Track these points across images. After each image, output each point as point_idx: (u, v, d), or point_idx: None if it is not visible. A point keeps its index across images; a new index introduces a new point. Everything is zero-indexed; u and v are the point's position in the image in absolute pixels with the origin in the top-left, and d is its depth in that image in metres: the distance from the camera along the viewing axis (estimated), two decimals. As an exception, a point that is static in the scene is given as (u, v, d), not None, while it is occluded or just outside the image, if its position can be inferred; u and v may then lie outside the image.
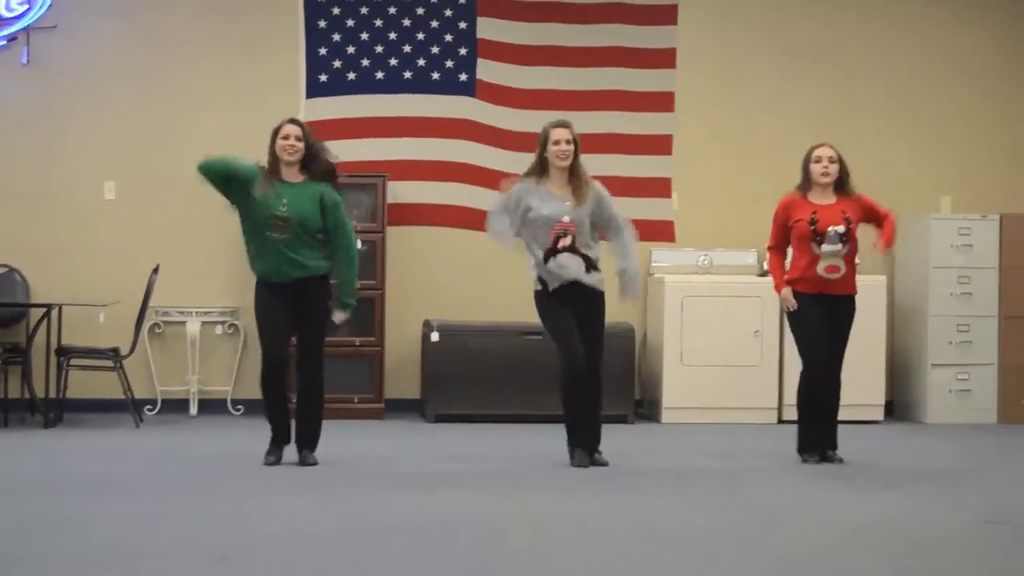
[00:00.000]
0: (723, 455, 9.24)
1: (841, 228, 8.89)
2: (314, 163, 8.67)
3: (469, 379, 11.45)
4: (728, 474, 8.55)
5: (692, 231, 12.31)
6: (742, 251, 12.00)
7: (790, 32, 12.74)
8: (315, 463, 8.55)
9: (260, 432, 10.33)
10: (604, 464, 8.73)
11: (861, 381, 11.56)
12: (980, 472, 9.03)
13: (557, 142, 8.72)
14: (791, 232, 9.04)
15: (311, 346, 8.72)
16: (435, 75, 12.26)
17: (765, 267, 11.79)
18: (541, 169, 8.79)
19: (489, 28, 12.32)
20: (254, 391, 11.78)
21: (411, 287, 12.09)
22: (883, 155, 12.72)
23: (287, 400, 8.75)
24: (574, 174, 8.77)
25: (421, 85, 12.23)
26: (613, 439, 9.83)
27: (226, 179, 8.57)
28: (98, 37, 12.05)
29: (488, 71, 12.32)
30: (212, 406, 11.82)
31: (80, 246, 11.77)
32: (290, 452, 8.64)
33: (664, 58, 12.47)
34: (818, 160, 9.07)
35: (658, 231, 12.40)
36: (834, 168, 9.05)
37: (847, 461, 9.03)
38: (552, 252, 8.61)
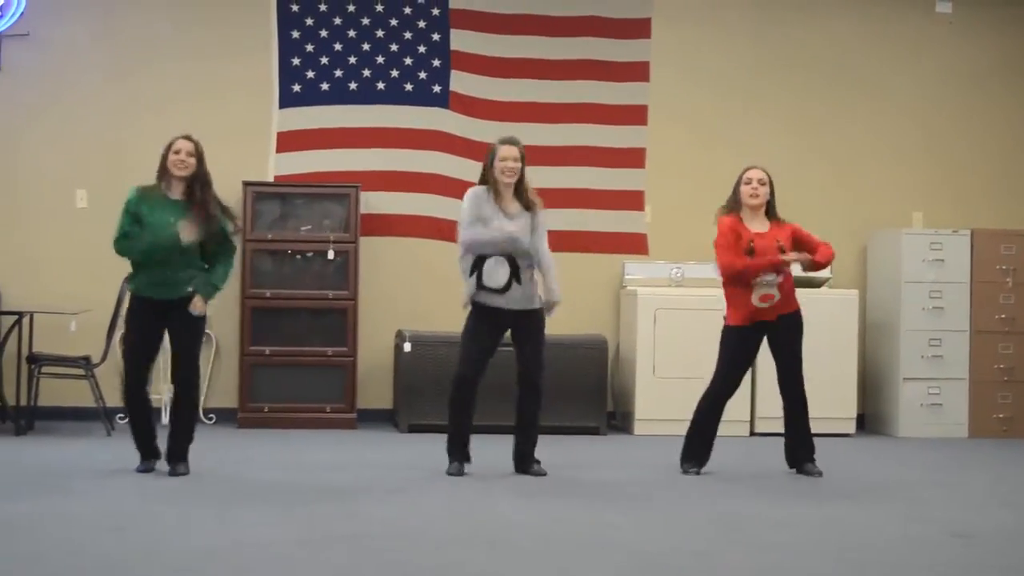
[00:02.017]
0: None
1: (791, 254, 8.91)
2: (197, 187, 8.56)
3: (441, 389, 11.33)
4: (695, 486, 8.55)
5: (665, 244, 12.33)
6: (714, 264, 12.00)
7: (764, 46, 12.77)
8: (187, 472, 8.54)
9: (230, 441, 10.34)
10: (543, 474, 8.79)
11: (833, 394, 11.61)
12: (949, 486, 9.04)
13: (504, 159, 8.82)
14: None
15: (191, 357, 8.68)
16: (408, 86, 12.25)
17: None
18: (490, 183, 8.85)
19: (463, 40, 12.33)
20: (226, 399, 11.85)
21: (383, 297, 12.09)
22: (856, 170, 12.78)
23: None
24: (519, 190, 8.89)
25: (394, 96, 12.22)
26: (584, 451, 9.84)
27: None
28: (71, 45, 12.02)
29: (461, 83, 12.33)
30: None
31: (51, 254, 11.74)
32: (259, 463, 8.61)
33: (637, 71, 12.49)
34: (748, 182, 9.09)
35: (631, 244, 12.43)
36: (763, 190, 9.06)
37: (814, 477, 9.04)
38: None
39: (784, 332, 9.04)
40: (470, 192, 9.00)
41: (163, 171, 8.59)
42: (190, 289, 8.48)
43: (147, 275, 8.49)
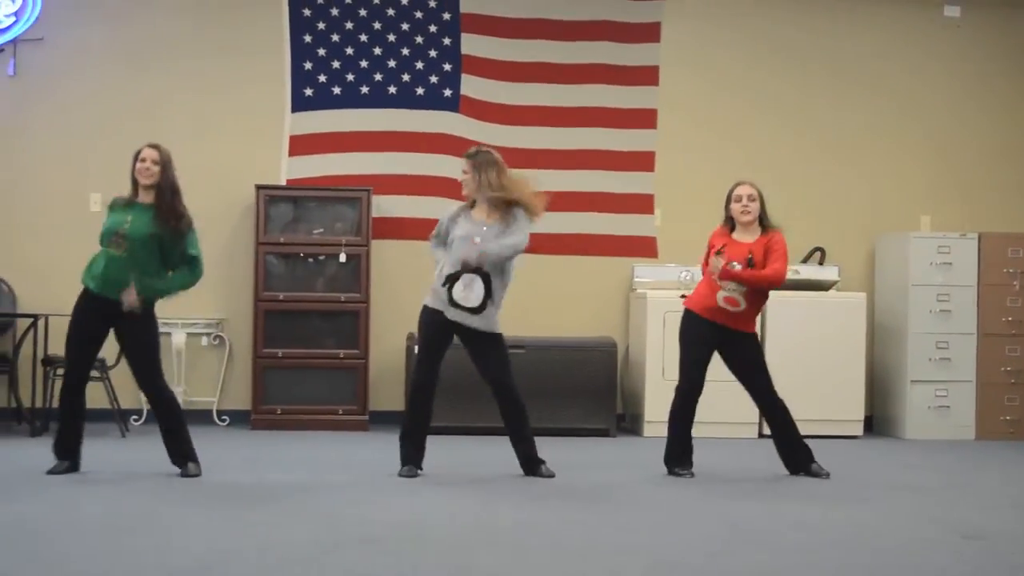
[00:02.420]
0: (701, 469, 9.23)
1: (739, 266, 8.89)
2: (167, 193, 8.54)
3: (452, 392, 11.40)
4: (703, 488, 8.54)
5: (674, 247, 12.33)
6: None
7: (774, 50, 12.78)
8: (199, 474, 8.53)
9: (243, 442, 10.34)
10: (551, 475, 8.78)
11: (841, 397, 11.61)
12: (958, 487, 9.02)
13: (465, 172, 8.87)
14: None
15: (145, 365, 8.65)
16: (419, 90, 12.27)
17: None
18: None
19: (473, 44, 12.34)
20: (239, 402, 11.86)
21: (395, 300, 12.09)
22: (864, 175, 12.79)
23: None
24: (488, 203, 8.82)
25: (406, 100, 12.24)
26: (594, 452, 9.82)
27: None
28: (85, 50, 12.05)
29: (472, 87, 12.34)
30: (198, 416, 11.78)
31: (66, 257, 11.70)
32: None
33: (647, 75, 12.50)
34: (738, 199, 9.07)
35: (640, 247, 12.44)
36: (754, 206, 9.04)
37: (822, 478, 9.04)
38: (461, 272, 8.74)
39: (743, 350, 9.09)
40: (450, 208, 9.10)
41: (133, 179, 8.58)
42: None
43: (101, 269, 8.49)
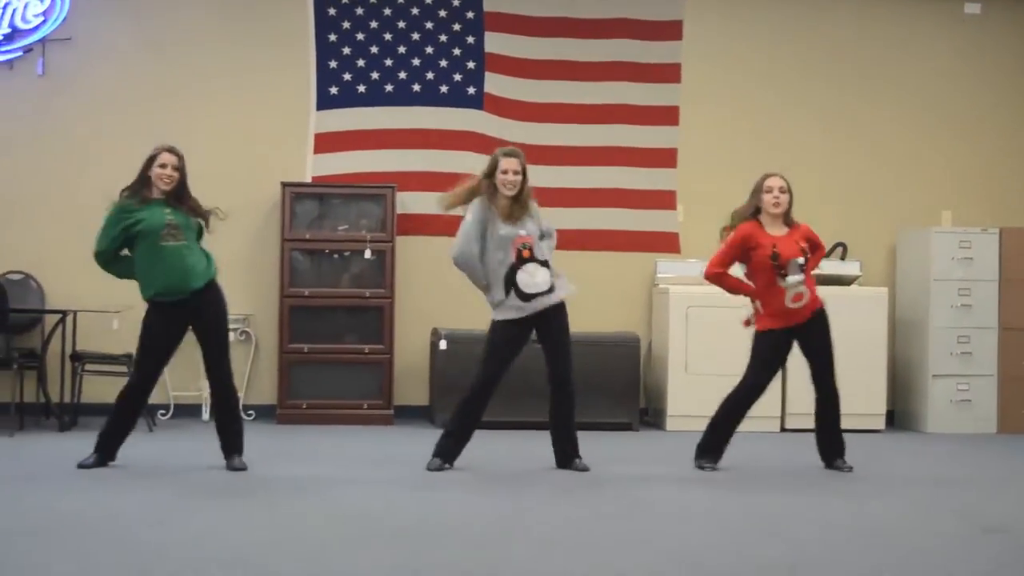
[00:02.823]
0: (724, 462, 9.24)
1: (801, 260, 8.86)
2: (183, 197, 8.58)
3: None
4: (726, 481, 8.54)
5: (696, 242, 12.32)
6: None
7: (793, 48, 12.78)
8: (244, 468, 8.54)
9: (270, 437, 10.37)
10: (586, 469, 8.78)
11: (863, 391, 11.59)
12: (979, 481, 9.01)
13: (505, 172, 8.76)
14: (751, 262, 9.01)
15: (218, 356, 8.68)
16: (443, 88, 12.29)
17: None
18: (491, 192, 8.81)
19: (496, 42, 12.35)
20: (265, 396, 11.89)
21: (419, 296, 12.12)
22: (886, 171, 12.78)
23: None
24: (518, 202, 8.80)
25: (430, 98, 12.27)
26: (618, 446, 9.81)
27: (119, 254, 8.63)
28: (112, 49, 12.09)
29: (495, 84, 12.35)
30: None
31: (90, 254, 11.79)
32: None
33: (669, 73, 12.51)
34: (769, 190, 9.00)
35: (663, 242, 12.45)
36: (784, 198, 8.99)
37: (846, 471, 9.03)
38: (518, 264, 8.69)
39: (815, 333, 9.00)
40: (475, 203, 8.94)
41: (145, 181, 8.58)
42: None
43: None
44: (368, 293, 11.78)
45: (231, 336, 11.84)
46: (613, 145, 12.42)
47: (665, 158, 12.50)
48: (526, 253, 8.68)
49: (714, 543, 6.33)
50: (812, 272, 9.07)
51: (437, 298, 12.17)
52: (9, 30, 11.85)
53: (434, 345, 11.73)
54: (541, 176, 12.26)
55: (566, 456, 8.93)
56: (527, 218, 8.79)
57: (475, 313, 11.91)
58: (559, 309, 8.85)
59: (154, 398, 11.27)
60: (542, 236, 8.92)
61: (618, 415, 11.57)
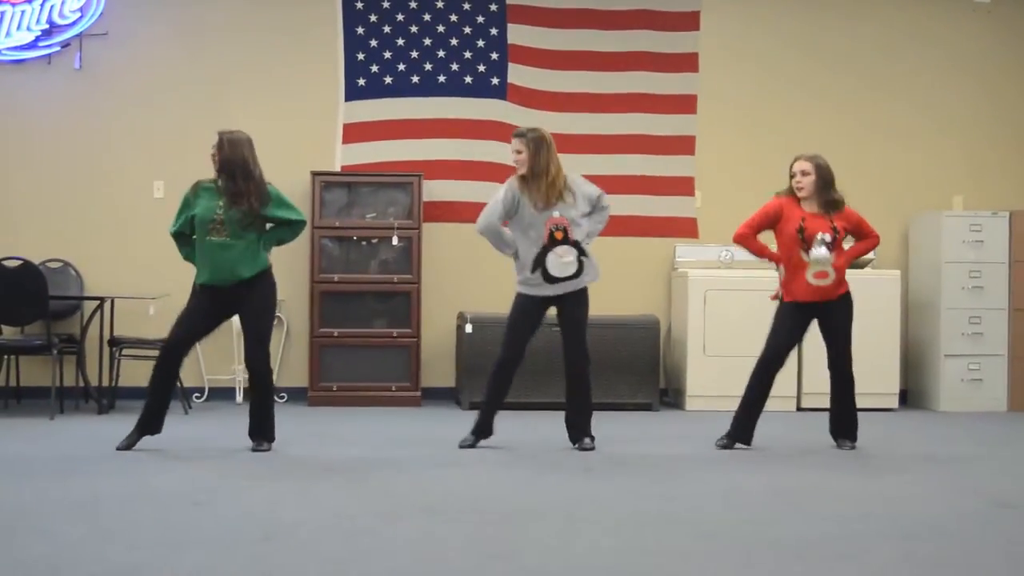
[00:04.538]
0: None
1: (828, 236, 8.79)
2: (234, 182, 8.60)
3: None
4: (744, 460, 8.54)
5: (714, 228, 12.32)
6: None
7: (808, 36, 12.74)
8: (265, 449, 8.57)
9: (301, 418, 10.39)
10: (590, 449, 8.78)
11: (877, 371, 11.58)
12: (991, 458, 8.99)
13: (513, 153, 8.77)
14: (780, 235, 8.96)
15: (254, 343, 8.70)
16: (468, 79, 12.29)
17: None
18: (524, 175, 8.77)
19: (519, 34, 12.35)
20: (297, 379, 11.92)
21: (445, 281, 12.14)
22: (899, 157, 12.75)
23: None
24: (546, 181, 8.71)
25: (454, 88, 12.27)
26: (639, 426, 9.80)
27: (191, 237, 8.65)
28: (147, 43, 12.12)
29: (518, 75, 12.35)
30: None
31: (131, 242, 11.85)
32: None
33: (687, 62, 12.49)
34: (793, 175, 8.97)
35: (682, 228, 12.45)
36: (807, 181, 8.88)
37: (862, 447, 9.03)
38: (551, 245, 8.66)
39: (836, 315, 8.95)
40: (508, 183, 8.91)
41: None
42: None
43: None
44: (396, 279, 11.79)
45: (269, 322, 11.95)
46: (633, 133, 12.41)
47: (684, 145, 12.49)
48: (559, 235, 8.65)
49: (731, 519, 6.33)
50: (850, 258, 9.02)
51: (463, 283, 12.19)
52: (47, 26, 11.88)
53: (460, 328, 11.74)
54: (563, 163, 12.30)
55: (576, 434, 8.93)
56: (563, 198, 8.71)
57: (499, 297, 11.92)
58: (581, 293, 8.82)
59: (189, 381, 11.40)
60: (591, 212, 8.85)
61: (639, 396, 11.57)
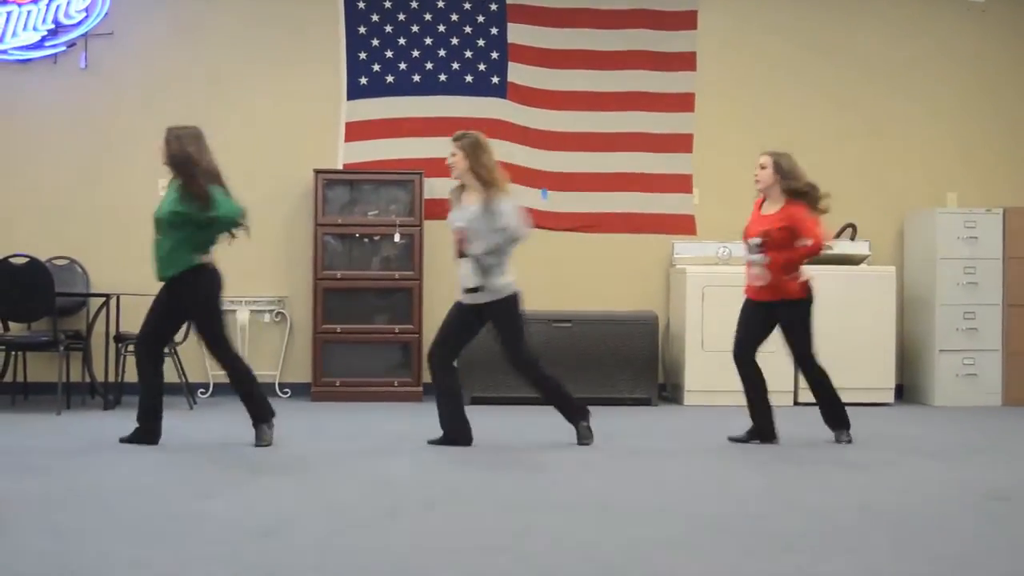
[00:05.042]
0: (739, 435, 9.25)
1: (757, 240, 8.84)
2: (183, 176, 8.61)
3: (502, 364, 11.45)
4: (739, 454, 8.56)
5: (712, 224, 12.35)
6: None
7: (805, 33, 12.76)
8: (267, 443, 8.54)
9: (304, 413, 10.41)
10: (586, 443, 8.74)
11: (872, 366, 11.61)
12: (985, 451, 9.00)
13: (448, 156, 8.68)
14: None
15: (207, 338, 8.73)
16: (468, 78, 12.31)
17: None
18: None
19: (519, 33, 12.37)
20: (300, 375, 11.95)
21: (447, 277, 12.08)
22: (894, 153, 12.77)
23: None
24: (466, 188, 8.64)
25: (455, 87, 12.30)
26: (638, 420, 9.82)
27: None
28: (151, 43, 12.14)
29: (518, 74, 12.38)
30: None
31: (136, 240, 11.81)
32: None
33: (684, 61, 12.52)
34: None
35: (680, 225, 12.47)
36: (764, 174, 8.92)
37: (858, 441, 9.04)
38: (459, 256, 8.63)
39: (787, 318, 8.96)
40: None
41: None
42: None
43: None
44: (397, 275, 11.82)
45: (267, 317, 11.99)
46: (631, 131, 12.43)
47: (681, 143, 12.51)
48: (459, 247, 8.61)
49: (729, 513, 6.36)
50: (786, 265, 8.93)
51: (463, 279, 12.21)
52: (53, 25, 11.91)
53: (461, 324, 11.76)
54: (563, 161, 12.36)
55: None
56: (481, 206, 8.53)
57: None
58: (498, 305, 8.68)
59: (193, 376, 11.42)
60: (499, 228, 8.59)
61: (638, 391, 11.59)
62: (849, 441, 9.03)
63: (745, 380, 9.09)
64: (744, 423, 9.14)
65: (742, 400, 9.34)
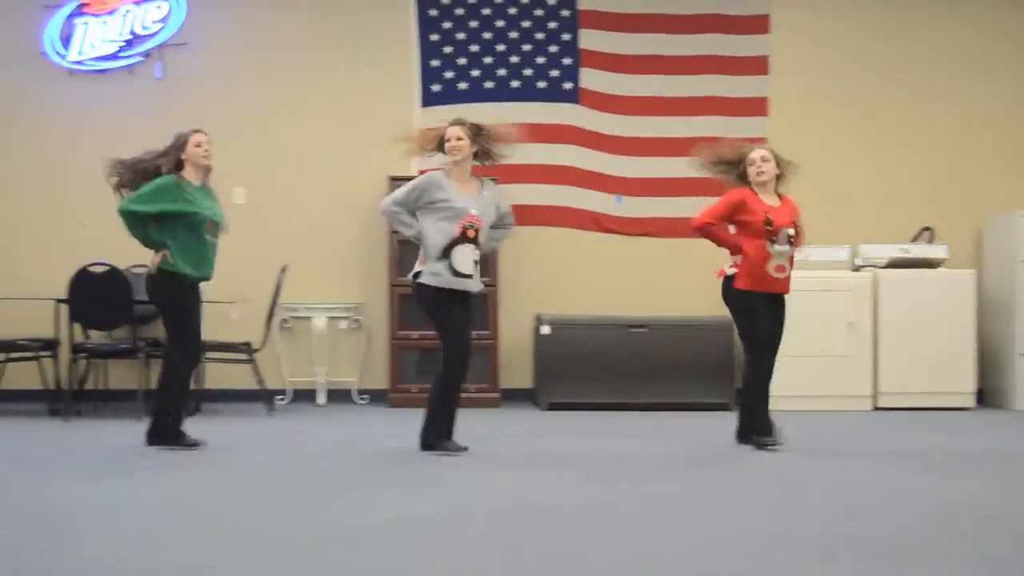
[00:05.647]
0: (818, 441, 9.20)
1: (791, 231, 8.76)
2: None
3: (578, 369, 11.51)
4: (819, 460, 8.50)
5: (788, 229, 12.27)
6: (835, 247, 11.91)
7: (881, 34, 12.67)
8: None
9: (382, 419, 10.44)
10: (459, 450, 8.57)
11: (952, 370, 11.51)
12: (1066, 456, 8.91)
13: (449, 139, 8.55)
14: (741, 227, 8.85)
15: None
16: (541, 84, 12.32)
17: (858, 262, 11.74)
18: (449, 166, 8.59)
19: (591, 39, 12.37)
20: (378, 381, 11.99)
21: (523, 283, 12.17)
22: (973, 156, 12.65)
23: None
24: (472, 175, 8.62)
25: (528, 93, 12.31)
26: (715, 425, 9.79)
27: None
28: (225, 53, 12.24)
29: (591, 79, 12.37)
30: (339, 395, 12.02)
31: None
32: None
33: (757, 65, 12.47)
34: (752, 163, 8.90)
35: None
36: (768, 167, 8.87)
37: (938, 446, 8.95)
38: (457, 242, 8.39)
39: (778, 312, 8.93)
40: (424, 175, 8.73)
41: (179, 164, 8.74)
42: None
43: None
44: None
45: (344, 324, 12.05)
46: (704, 135, 12.33)
47: (756, 146, 12.48)
48: (471, 233, 8.41)
49: (803, 518, 6.31)
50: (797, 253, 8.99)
51: (540, 285, 12.22)
52: (130, 36, 12.04)
53: (537, 330, 11.77)
54: (636, 166, 12.35)
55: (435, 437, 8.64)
56: (482, 198, 8.54)
57: (576, 299, 12.03)
58: (477, 297, 8.73)
59: (271, 383, 11.49)
60: (499, 224, 8.73)
61: (714, 395, 11.55)
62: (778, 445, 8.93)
63: (770, 377, 9.01)
64: (827, 429, 9.08)
65: (816, 404, 9.30)
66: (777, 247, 8.78)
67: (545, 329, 11.49)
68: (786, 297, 8.99)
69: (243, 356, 10.94)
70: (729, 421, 10.46)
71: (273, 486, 7.26)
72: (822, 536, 5.87)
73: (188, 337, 8.69)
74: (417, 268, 8.50)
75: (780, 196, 8.96)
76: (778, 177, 8.97)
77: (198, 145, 8.73)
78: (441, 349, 8.54)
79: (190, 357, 8.76)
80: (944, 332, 11.57)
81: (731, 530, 6.01)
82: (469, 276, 8.44)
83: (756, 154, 8.96)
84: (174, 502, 6.67)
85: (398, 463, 8.17)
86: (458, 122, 8.70)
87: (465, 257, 8.42)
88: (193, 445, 8.52)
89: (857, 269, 11.84)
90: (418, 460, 8.27)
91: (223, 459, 8.25)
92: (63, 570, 5.02)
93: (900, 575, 5.12)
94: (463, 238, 8.41)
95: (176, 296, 8.66)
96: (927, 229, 12.23)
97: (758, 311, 8.91)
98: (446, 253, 8.39)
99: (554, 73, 12.38)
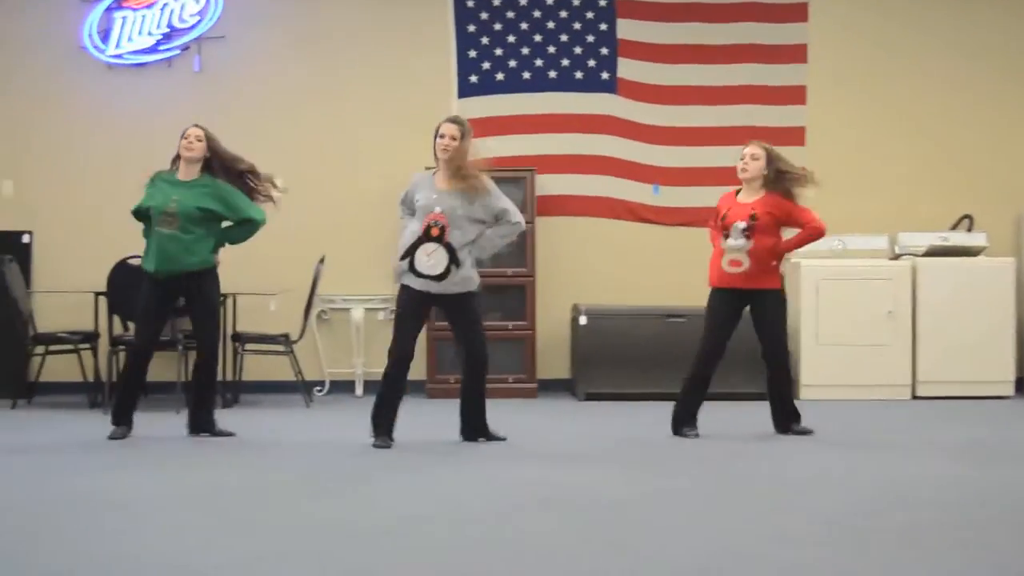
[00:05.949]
0: (856, 430, 9.16)
1: (743, 224, 8.73)
2: (223, 170, 8.96)
3: (616, 360, 11.50)
4: (858, 449, 8.48)
5: (826, 217, 12.08)
6: (874, 236, 11.86)
7: (920, 22, 12.59)
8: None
9: (424, 411, 10.45)
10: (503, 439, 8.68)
11: (991, 359, 11.45)
12: (1108, 445, 8.87)
13: (443, 136, 8.50)
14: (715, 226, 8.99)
15: (201, 334, 8.92)
16: (578, 74, 12.31)
17: (896, 250, 11.70)
18: (437, 161, 8.59)
19: (628, 29, 12.34)
20: (415, 372, 11.96)
21: (559, 274, 12.16)
22: (1012, 144, 12.56)
23: None
24: (456, 175, 8.48)
25: (565, 84, 12.30)
26: (755, 416, 9.78)
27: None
28: (263, 46, 12.26)
29: (628, 69, 12.35)
30: (376, 386, 11.98)
31: (251, 240, 11.95)
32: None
33: (795, 53, 12.42)
34: (742, 157, 8.91)
35: (794, 219, 12.37)
36: (754, 165, 8.84)
37: (979, 436, 8.92)
38: (421, 240, 8.39)
39: (765, 309, 8.88)
40: (414, 175, 8.81)
41: (176, 159, 8.93)
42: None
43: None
44: (511, 272, 11.83)
45: (381, 316, 12.04)
46: (743, 125, 12.32)
47: (793, 136, 12.36)
48: (435, 231, 8.36)
49: (847, 508, 6.29)
50: (784, 250, 8.98)
51: (577, 275, 12.21)
52: (168, 29, 12.07)
53: (574, 320, 11.77)
54: (674, 156, 12.32)
55: (474, 430, 8.74)
56: (461, 196, 8.46)
57: (613, 290, 12.02)
58: (463, 298, 8.59)
59: (309, 375, 11.51)
60: (499, 223, 8.62)
61: (752, 385, 11.48)
62: (804, 429, 8.92)
63: (708, 382, 9.04)
64: (868, 420, 9.04)
65: (854, 394, 9.23)
66: (730, 242, 8.77)
67: (582, 319, 11.49)
68: (776, 293, 8.92)
69: (281, 348, 10.98)
70: (768, 410, 10.46)
71: (312, 478, 7.28)
72: (863, 524, 5.86)
73: (136, 331, 8.96)
74: None
75: (769, 194, 8.87)
76: (779, 178, 8.88)
77: (184, 137, 8.92)
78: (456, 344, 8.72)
79: (129, 350, 9.07)
80: (983, 320, 11.51)
81: (777, 521, 6.00)
82: (433, 277, 8.40)
83: (746, 150, 8.95)
84: (213, 495, 6.69)
85: (437, 454, 8.19)
86: (455, 120, 8.71)
87: (425, 256, 8.40)
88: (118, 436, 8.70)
89: (896, 257, 11.79)
90: (457, 451, 8.29)
91: (261, 452, 8.28)
92: (105, 562, 5.06)
93: (941, 564, 5.11)
94: (426, 236, 8.38)
95: (142, 292, 8.81)
96: (967, 217, 12.17)
97: (713, 307, 8.98)
98: (409, 252, 8.42)
99: (591, 63, 12.36)
